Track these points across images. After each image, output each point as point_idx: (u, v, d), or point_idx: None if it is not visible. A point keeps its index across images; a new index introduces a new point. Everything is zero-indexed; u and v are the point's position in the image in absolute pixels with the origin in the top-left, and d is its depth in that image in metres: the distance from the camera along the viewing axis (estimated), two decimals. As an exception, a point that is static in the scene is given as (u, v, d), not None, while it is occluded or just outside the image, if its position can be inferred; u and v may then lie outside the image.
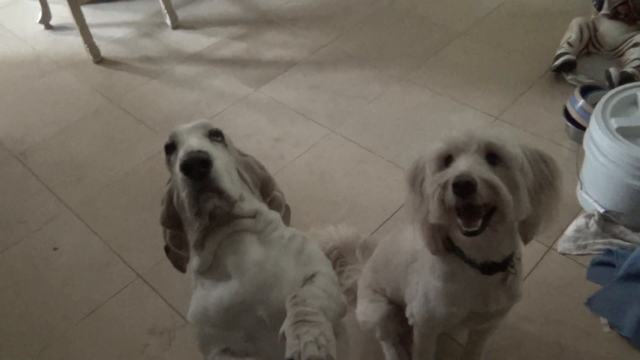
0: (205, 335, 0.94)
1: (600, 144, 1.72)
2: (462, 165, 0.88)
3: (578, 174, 1.92)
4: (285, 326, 0.80)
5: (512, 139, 0.92)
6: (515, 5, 2.99)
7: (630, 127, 1.71)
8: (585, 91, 2.13)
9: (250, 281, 0.89)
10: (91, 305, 1.74)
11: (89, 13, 3.11)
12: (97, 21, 3.20)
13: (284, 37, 2.97)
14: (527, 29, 2.81)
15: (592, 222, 1.81)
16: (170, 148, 0.94)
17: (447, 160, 0.93)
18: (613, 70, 2.25)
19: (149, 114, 2.53)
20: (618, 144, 1.66)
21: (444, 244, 1.04)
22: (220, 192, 0.85)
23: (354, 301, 1.56)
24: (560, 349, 1.52)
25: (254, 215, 0.94)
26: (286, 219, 1.13)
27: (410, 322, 1.26)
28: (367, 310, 1.42)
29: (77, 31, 2.83)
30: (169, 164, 0.96)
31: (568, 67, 2.41)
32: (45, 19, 3.20)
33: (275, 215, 1.00)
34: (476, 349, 1.40)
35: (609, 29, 2.47)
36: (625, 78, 2.22)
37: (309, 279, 0.94)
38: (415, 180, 1.01)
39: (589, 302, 1.62)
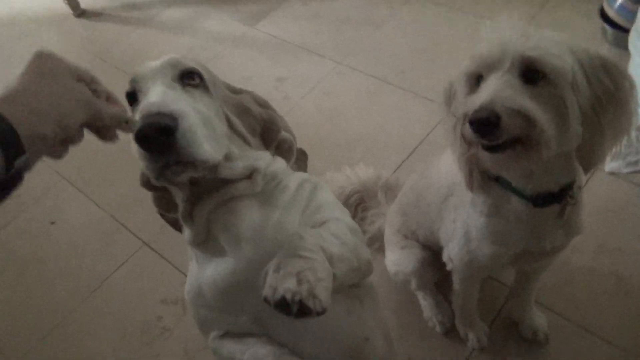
0: (201, 316, 0.78)
1: (651, 42, 1.48)
2: (485, 92, 0.70)
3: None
4: (270, 264, 0.61)
5: (561, 46, 0.71)
6: None
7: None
8: (626, -14, 1.86)
9: (248, 257, 0.70)
10: (98, 279, 1.61)
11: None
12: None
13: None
14: None
15: (643, 134, 1.60)
16: (132, 97, 0.70)
17: (478, 79, 0.75)
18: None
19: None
20: (674, 40, 1.42)
21: (482, 177, 0.86)
22: (193, 163, 0.62)
23: (380, 249, 1.40)
24: (617, 280, 1.36)
25: (250, 174, 0.72)
26: (301, 167, 0.93)
27: (449, 267, 1.10)
28: (399, 259, 1.26)
29: (52, -16, 2.61)
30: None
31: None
32: (19, -25, 2.96)
33: (279, 165, 0.78)
34: (525, 291, 1.23)
35: None
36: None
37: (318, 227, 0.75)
38: (451, 102, 0.82)
39: (646, 224, 1.44)
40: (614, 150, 0.79)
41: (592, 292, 1.35)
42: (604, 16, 1.90)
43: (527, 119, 0.68)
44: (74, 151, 0.62)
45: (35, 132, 0.52)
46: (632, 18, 1.59)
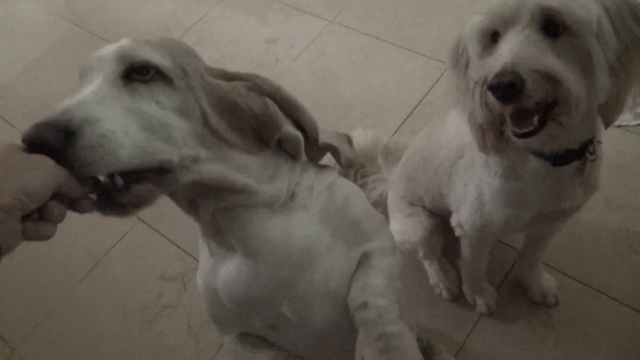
0: (218, 317, 0.73)
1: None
2: (505, 52, 0.64)
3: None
4: (366, 354, 0.61)
5: None
6: None
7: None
8: None
9: (267, 271, 0.64)
10: (93, 258, 1.57)
11: None
12: None
13: None
14: None
15: (651, 85, 1.54)
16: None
17: (493, 36, 0.69)
18: None
19: (122, 33, 2.21)
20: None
21: (496, 137, 0.80)
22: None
23: (383, 215, 1.35)
24: (627, 236, 1.33)
25: (232, 186, 0.61)
26: (338, 162, 0.74)
27: (458, 232, 1.06)
28: (405, 228, 1.21)
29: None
30: None
31: None
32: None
33: (286, 181, 0.66)
34: (534, 254, 1.19)
35: None
36: None
37: (363, 258, 0.69)
38: (459, 61, 0.76)
39: (656, 178, 1.39)
40: (632, 102, 0.74)
41: (601, 250, 1.32)
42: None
43: (554, 80, 0.63)
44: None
45: None
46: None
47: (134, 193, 0.52)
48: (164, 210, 1.59)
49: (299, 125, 0.68)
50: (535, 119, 0.68)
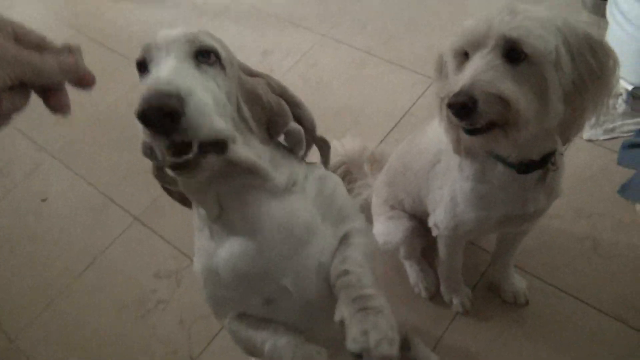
0: (217, 298, 0.78)
1: (627, 10, 1.51)
2: (466, 74, 0.72)
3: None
4: (345, 314, 0.67)
5: (547, 24, 0.72)
6: None
7: (664, -14, 1.48)
8: (604, -47, 1.88)
9: (271, 247, 0.71)
10: (90, 255, 1.64)
11: None
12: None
13: None
14: None
15: (619, 101, 1.64)
16: (143, 66, 0.66)
17: (466, 55, 0.77)
18: None
19: (122, 41, 2.30)
20: (650, 8, 1.45)
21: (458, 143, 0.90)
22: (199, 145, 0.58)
23: (367, 219, 1.43)
24: (594, 244, 1.42)
25: (256, 170, 0.70)
26: (323, 156, 0.86)
27: (434, 232, 1.14)
28: (387, 229, 1.30)
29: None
30: None
31: None
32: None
33: (288, 170, 0.74)
34: (506, 256, 1.28)
35: None
36: None
37: (344, 237, 0.78)
38: (442, 72, 0.85)
39: (622, 189, 1.49)
40: (592, 121, 0.83)
41: (570, 255, 1.41)
42: (583, -16, 1.92)
43: (505, 103, 0.70)
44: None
45: None
46: (611, -15, 1.62)
47: (208, 160, 0.59)
48: (159, 211, 1.67)
49: (299, 121, 0.78)
50: (481, 122, 0.73)
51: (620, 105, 1.64)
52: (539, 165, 0.89)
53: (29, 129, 2.00)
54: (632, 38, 1.53)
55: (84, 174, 1.84)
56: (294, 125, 0.76)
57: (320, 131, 1.74)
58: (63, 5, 2.57)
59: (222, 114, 0.62)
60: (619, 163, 1.55)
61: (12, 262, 1.67)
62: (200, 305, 1.33)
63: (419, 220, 1.27)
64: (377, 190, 1.37)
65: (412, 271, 1.40)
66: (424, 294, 1.38)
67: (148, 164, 0.85)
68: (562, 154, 0.93)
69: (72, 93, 0.56)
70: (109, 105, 2.04)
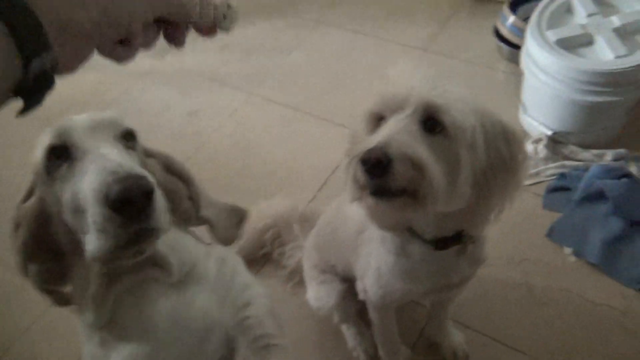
0: None
1: (540, 60, 1.57)
2: (382, 133, 0.68)
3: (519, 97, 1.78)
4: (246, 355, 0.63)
5: (466, 103, 0.71)
6: None
7: (570, 38, 1.56)
8: (515, 5, 1.97)
9: (166, 347, 0.66)
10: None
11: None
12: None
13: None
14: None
15: (540, 146, 1.69)
16: (59, 152, 0.61)
17: (381, 120, 0.74)
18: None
19: (51, 101, 2.20)
20: (559, 58, 1.51)
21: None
22: (155, 234, 0.56)
23: (300, 283, 1.39)
24: (528, 290, 1.42)
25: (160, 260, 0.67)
26: (239, 227, 0.83)
27: (361, 297, 1.11)
28: (319, 295, 1.25)
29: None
30: (49, 175, 0.62)
31: (490, -18, 2.24)
32: None
33: (187, 252, 0.72)
34: (442, 312, 1.26)
35: None
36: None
37: (244, 305, 0.75)
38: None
39: (550, 232, 1.52)
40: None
41: (506, 304, 1.40)
42: (498, 35, 2.00)
43: (419, 168, 0.66)
44: None
45: (63, 18, 0.40)
46: (523, 36, 1.68)
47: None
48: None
49: (191, 199, 0.75)
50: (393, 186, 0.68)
51: (542, 150, 1.68)
52: (455, 241, 0.86)
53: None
54: (546, 85, 1.58)
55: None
56: (186, 204, 0.75)
57: (251, 191, 1.70)
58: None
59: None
60: (545, 207, 1.59)
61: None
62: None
63: (353, 283, 1.23)
64: (307, 253, 1.33)
65: (349, 334, 1.35)
66: (362, 357, 1.33)
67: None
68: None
69: None
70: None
